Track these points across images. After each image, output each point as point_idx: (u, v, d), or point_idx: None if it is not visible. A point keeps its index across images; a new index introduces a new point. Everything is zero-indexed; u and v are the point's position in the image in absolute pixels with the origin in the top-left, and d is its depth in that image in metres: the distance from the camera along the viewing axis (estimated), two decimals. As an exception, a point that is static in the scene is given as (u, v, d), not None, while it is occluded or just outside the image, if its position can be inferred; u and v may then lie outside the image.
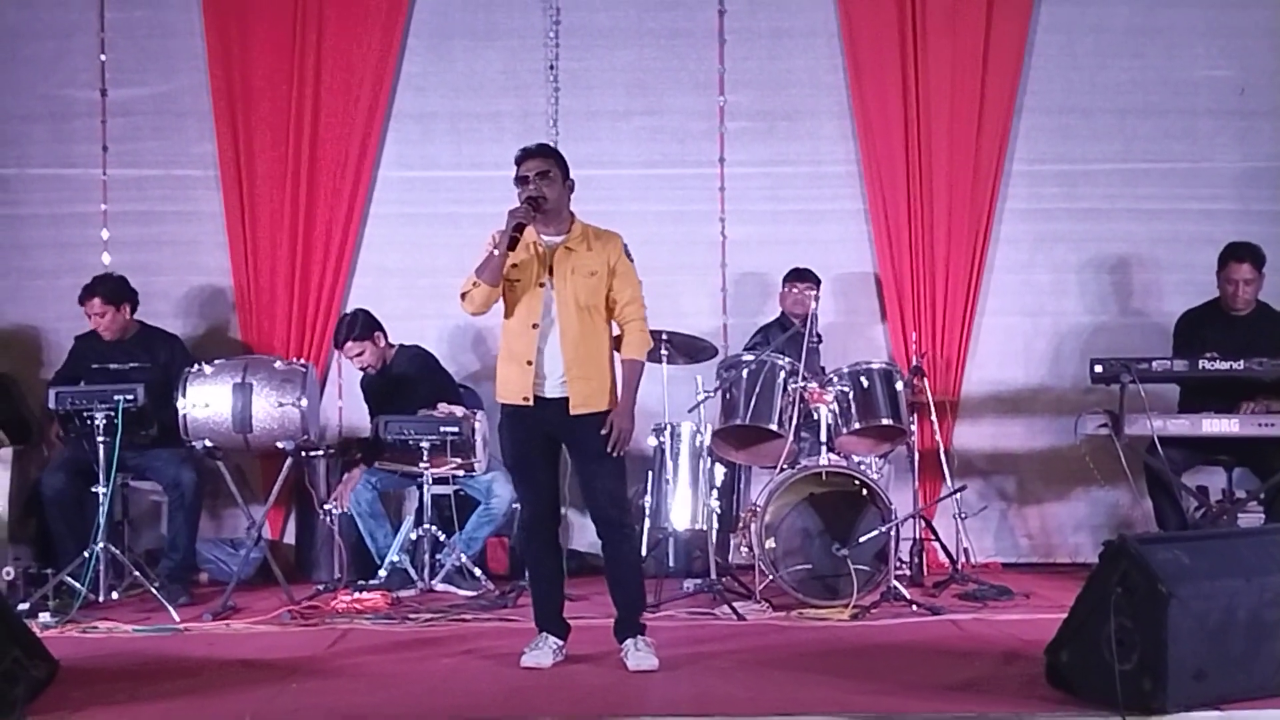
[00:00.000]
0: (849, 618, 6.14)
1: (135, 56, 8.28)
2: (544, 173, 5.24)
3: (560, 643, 5.32)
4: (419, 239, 8.21)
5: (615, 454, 5.20)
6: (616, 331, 5.44)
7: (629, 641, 5.26)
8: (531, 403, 5.24)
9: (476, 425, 7.03)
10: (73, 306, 7.34)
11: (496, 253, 5.16)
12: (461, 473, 7.10)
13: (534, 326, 5.23)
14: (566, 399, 5.23)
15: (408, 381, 7.41)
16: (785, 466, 6.67)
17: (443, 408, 7.11)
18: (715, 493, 6.98)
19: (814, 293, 7.39)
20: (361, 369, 7.53)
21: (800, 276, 7.63)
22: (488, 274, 5.17)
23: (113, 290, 7.29)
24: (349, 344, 7.38)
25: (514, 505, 7.31)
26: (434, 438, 6.87)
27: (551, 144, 5.54)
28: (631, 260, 5.40)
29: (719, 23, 8.30)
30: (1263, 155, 8.26)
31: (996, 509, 8.19)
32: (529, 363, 5.22)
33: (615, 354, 5.42)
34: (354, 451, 7.53)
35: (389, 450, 7.05)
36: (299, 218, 8.13)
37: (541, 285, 5.26)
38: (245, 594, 6.88)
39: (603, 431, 5.19)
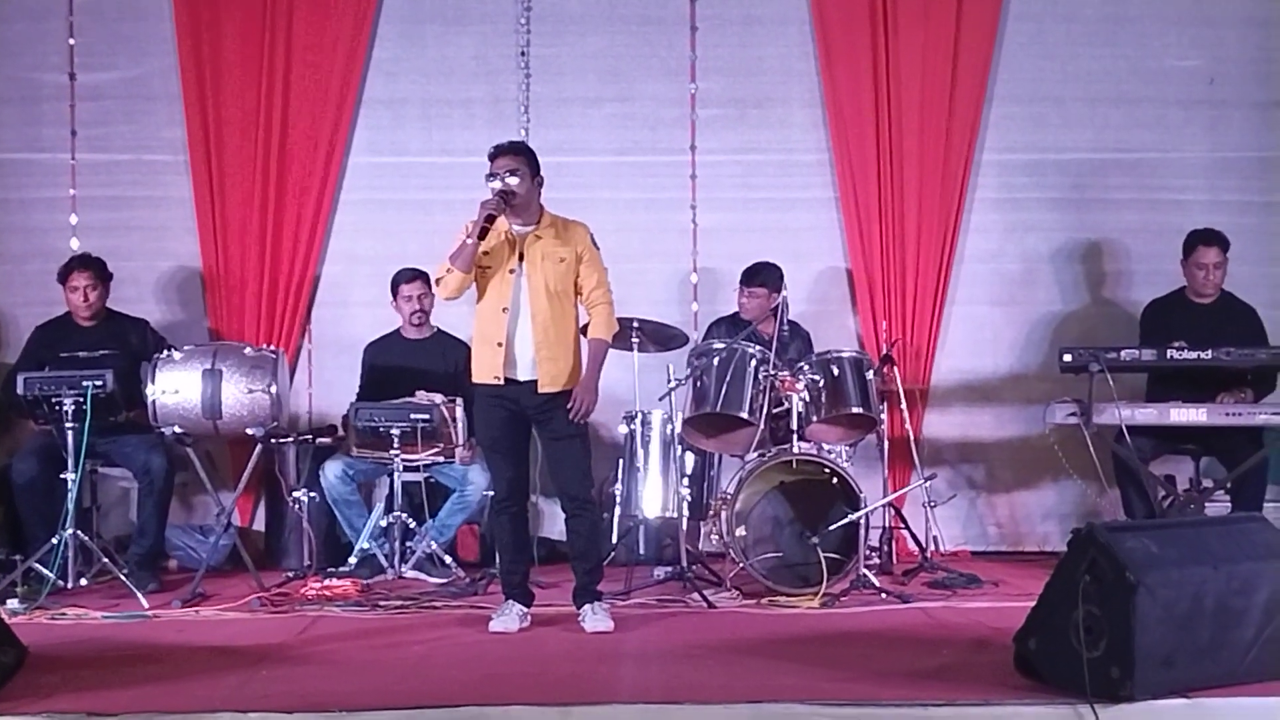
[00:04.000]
0: (819, 605, 6.15)
1: (105, 40, 8.20)
2: (514, 170, 5.54)
3: (525, 610, 5.71)
4: (389, 225, 8.18)
5: (578, 422, 5.56)
6: (584, 318, 5.74)
7: (586, 607, 5.69)
8: (502, 382, 5.55)
9: (458, 413, 6.99)
10: (40, 292, 7.28)
11: (469, 241, 5.45)
12: (441, 459, 7.09)
13: (504, 310, 5.56)
14: (536, 380, 5.56)
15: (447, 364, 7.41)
16: (755, 454, 6.67)
17: (421, 395, 7.10)
18: (686, 480, 6.98)
19: (765, 292, 7.28)
20: (413, 312, 7.49)
21: (750, 279, 7.45)
22: (460, 261, 5.50)
23: (100, 267, 7.26)
24: (418, 281, 7.40)
25: (487, 494, 7.30)
26: (404, 425, 6.84)
27: (523, 140, 5.72)
28: (598, 248, 5.76)
29: (690, 9, 8.28)
30: (1231, 145, 8.30)
31: (965, 497, 8.22)
32: (499, 344, 5.54)
33: (581, 338, 5.73)
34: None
35: (360, 436, 7.01)
36: (269, 203, 8.08)
37: (512, 272, 5.58)
38: (215, 581, 6.84)
39: (568, 405, 5.53)
